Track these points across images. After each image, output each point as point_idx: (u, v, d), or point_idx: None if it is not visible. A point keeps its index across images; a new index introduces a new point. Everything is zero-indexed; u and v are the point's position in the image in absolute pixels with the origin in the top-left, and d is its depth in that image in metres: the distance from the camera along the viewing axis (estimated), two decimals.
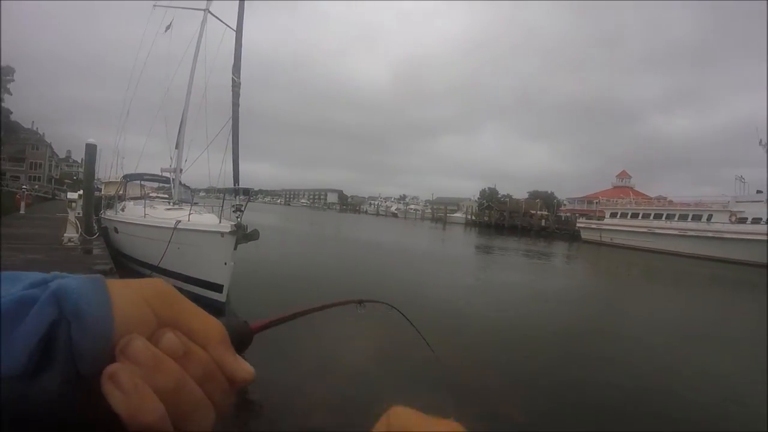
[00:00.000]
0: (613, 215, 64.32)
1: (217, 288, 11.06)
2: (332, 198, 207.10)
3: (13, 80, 63.45)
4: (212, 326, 0.49)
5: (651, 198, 71.03)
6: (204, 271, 11.33)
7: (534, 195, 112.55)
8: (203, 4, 18.88)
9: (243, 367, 0.49)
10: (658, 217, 55.55)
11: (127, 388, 0.40)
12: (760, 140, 47.38)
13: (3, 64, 59.35)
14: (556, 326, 12.62)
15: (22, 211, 28.60)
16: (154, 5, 20.40)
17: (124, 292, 0.46)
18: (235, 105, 13.35)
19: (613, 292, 22.45)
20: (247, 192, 11.90)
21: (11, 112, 66.69)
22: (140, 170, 20.67)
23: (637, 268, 35.52)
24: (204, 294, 11.24)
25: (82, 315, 0.42)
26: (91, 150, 17.19)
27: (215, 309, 10.90)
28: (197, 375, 0.46)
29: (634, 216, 59.76)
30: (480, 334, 11.05)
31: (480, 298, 15.67)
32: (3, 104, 63.59)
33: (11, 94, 64.37)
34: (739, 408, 7.78)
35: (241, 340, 0.55)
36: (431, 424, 0.45)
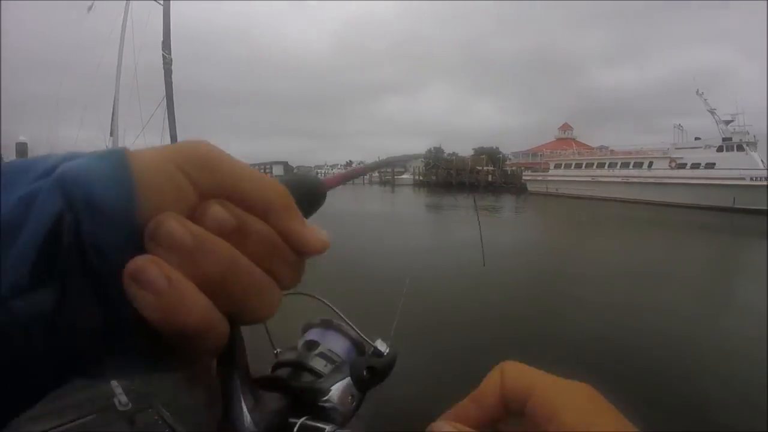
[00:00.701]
0: (557, 167, 66.12)
1: None
2: (278, 170, 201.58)
3: None
4: (271, 189, 0.39)
5: (593, 148, 72.72)
6: None
7: (479, 151, 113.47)
8: None
9: (314, 235, 0.41)
10: (600, 166, 57.00)
11: (157, 285, 0.31)
12: (697, 90, 49.07)
13: None
14: (517, 283, 12.82)
15: None
16: None
17: (149, 165, 0.35)
18: (168, 83, 13.00)
19: (568, 241, 23.17)
20: None
21: None
22: None
23: (585, 216, 36.63)
24: None
25: (95, 202, 0.33)
26: (22, 149, 16.62)
27: None
28: (255, 252, 0.37)
29: (578, 166, 61.38)
30: (444, 295, 11.12)
31: (436, 260, 15.65)
32: None
33: None
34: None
35: (312, 200, 0.48)
36: (551, 381, 0.40)
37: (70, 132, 21.72)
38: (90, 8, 19.18)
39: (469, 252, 16.81)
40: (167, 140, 12.46)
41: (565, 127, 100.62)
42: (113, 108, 18.10)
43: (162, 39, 13.48)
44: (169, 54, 13.14)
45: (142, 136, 15.47)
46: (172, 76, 13.19)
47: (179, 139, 12.30)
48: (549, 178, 65.66)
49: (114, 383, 4.18)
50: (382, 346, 0.60)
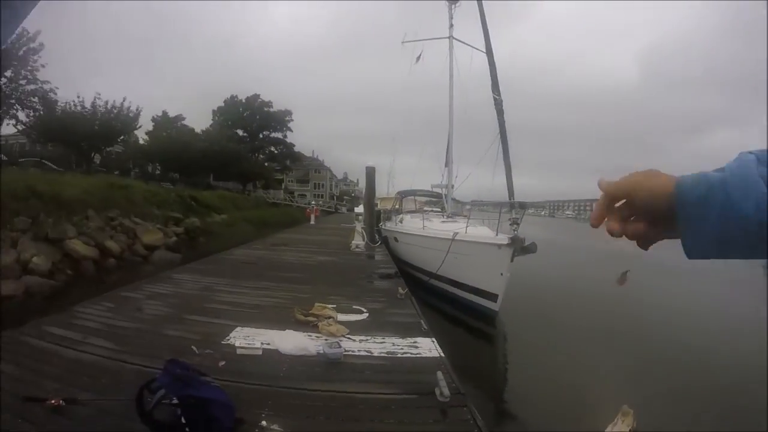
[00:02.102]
0: None
1: (492, 297, 11.32)
2: None
3: (292, 120, 73.73)
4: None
5: None
6: (480, 280, 11.69)
7: None
8: (446, 33, 20.52)
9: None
10: None
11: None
12: None
13: (283, 108, 72.18)
14: None
15: (312, 222, 33.90)
16: (402, 43, 22.34)
17: None
18: (501, 121, 13.83)
19: None
20: (523, 205, 12.01)
21: (294, 145, 77.20)
22: (411, 186, 22.55)
23: None
24: (478, 301, 11.70)
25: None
26: (370, 172, 19.24)
27: (487, 316, 11.28)
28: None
29: None
30: None
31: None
32: (287, 139, 74.64)
33: (292, 131, 74.77)
34: None
35: None
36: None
37: (410, 161, 24.76)
38: (418, 59, 21.68)
39: None
40: (500, 173, 13.51)
41: None
42: (448, 142, 19.96)
43: (490, 82, 14.62)
44: (499, 95, 14.09)
45: (476, 169, 16.87)
46: (504, 115, 14.09)
47: (517, 172, 13.17)
48: None
49: (440, 374, 4.57)
50: None
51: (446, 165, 19.97)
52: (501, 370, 9.14)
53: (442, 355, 5.51)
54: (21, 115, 30.30)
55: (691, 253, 0.71)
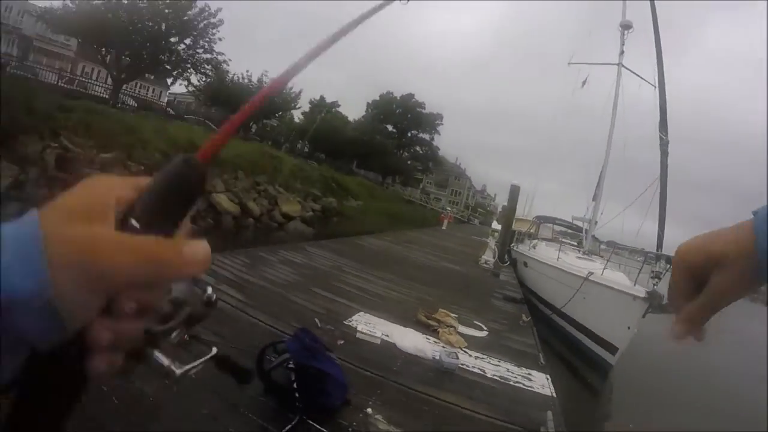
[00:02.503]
0: None
1: (612, 349, 10.61)
2: None
3: (441, 124, 75.39)
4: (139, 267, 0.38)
5: None
6: (603, 328, 11.03)
7: None
8: (616, 59, 19.38)
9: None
10: None
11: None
12: None
13: (434, 111, 74.25)
14: None
15: (443, 227, 34.16)
16: (569, 63, 21.53)
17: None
18: (664, 164, 12.98)
19: None
20: (670, 260, 11.12)
21: (439, 149, 79.77)
22: (551, 213, 21.93)
23: None
24: (595, 349, 11.12)
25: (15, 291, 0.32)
26: (514, 190, 18.79)
27: (600, 367, 10.63)
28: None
29: None
30: None
31: None
32: (433, 142, 76.58)
33: (440, 134, 76.36)
34: None
35: (186, 198, 0.42)
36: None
37: (553, 186, 24.27)
38: (584, 83, 20.84)
39: None
40: (652, 221, 12.71)
41: None
42: (600, 176, 19.04)
43: (659, 119, 13.75)
44: (666, 135, 13.20)
45: (625, 209, 16.07)
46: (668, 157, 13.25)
47: (667, 223, 12.32)
48: None
49: (550, 414, 4.44)
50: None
51: (594, 199, 19.07)
52: (599, 428, 8.62)
53: (555, 395, 5.34)
54: (194, 79, 34.96)
55: None
